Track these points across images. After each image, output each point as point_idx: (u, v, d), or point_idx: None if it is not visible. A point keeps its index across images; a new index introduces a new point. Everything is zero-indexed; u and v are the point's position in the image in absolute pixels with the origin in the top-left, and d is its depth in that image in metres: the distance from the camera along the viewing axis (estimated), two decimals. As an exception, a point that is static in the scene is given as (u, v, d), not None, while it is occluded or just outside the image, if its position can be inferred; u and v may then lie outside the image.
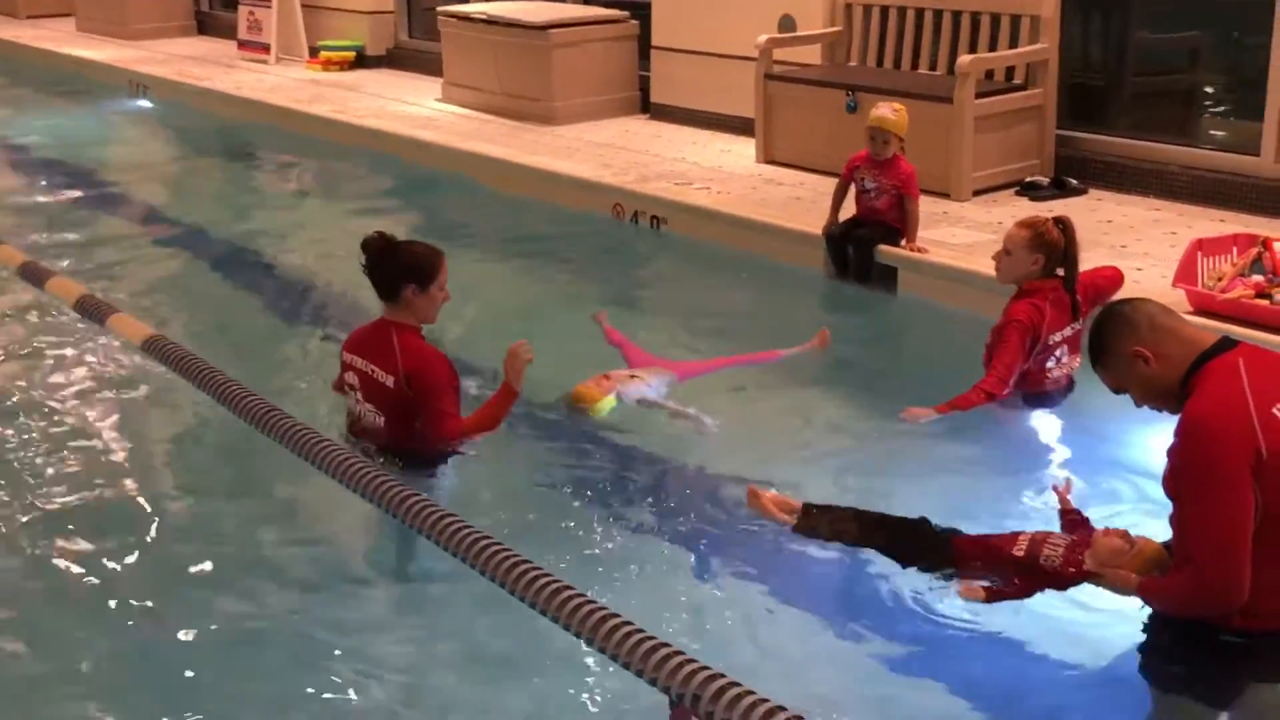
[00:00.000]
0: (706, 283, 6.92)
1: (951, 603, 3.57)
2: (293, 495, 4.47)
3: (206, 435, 4.90)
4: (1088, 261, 5.15)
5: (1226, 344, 3.19)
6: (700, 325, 6.19)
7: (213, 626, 3.75)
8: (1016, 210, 6.74)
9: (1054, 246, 4.69)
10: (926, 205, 6.81)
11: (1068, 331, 4.79)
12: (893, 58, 8.30)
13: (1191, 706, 3.17)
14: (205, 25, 14.59)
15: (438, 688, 3.51)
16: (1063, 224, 4.73)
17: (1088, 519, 3.66)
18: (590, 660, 3.29)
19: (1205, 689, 3.16)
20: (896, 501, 4.06)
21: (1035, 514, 4.07)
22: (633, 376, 5.00)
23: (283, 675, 3.55)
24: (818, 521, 3.83)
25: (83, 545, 4.18)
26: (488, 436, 4.34)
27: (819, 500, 3.96)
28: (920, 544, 3.68)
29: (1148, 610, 3.27)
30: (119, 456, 4.77)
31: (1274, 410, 3.02)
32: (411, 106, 10.35)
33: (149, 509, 4.40)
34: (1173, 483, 3.16)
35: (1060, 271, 4.75)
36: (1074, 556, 3.44)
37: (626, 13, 9.92)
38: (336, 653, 3.61)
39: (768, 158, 8.29)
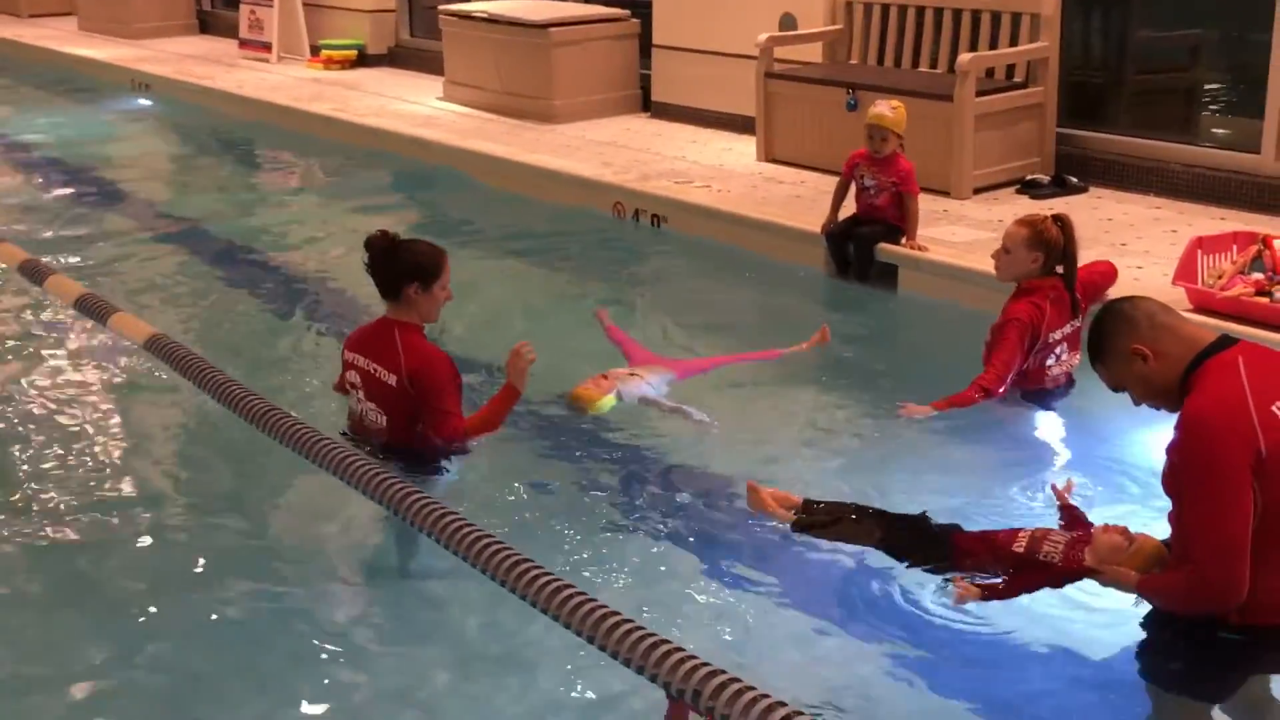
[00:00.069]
0: (707, 281, 6.93)
1: (948, 599, 3.57)
2: (294, 494, 4.48)
3: (207, 434, 4.90)
4: (1088, 259, 5.16)
5: (1226, 342, 3.19)
6: (700, 323, 6.20)
7: (213, 625, 3.76)
8: (1017, 208, 6.75)
9: (1053, 244, 4.70)
10: (927, 203, 6.82)
11: (1067, 329, 4.80)
12: (893, 56, 8.30)
13: (1190, 703, 3.17)
14: (207, 24, 14.60)
15: (438, 685, 3.51)
16: (1062, 222, 4.73)
17: (1087, 516, 3.66)
18: (590, 658, 3.30)
19: (1204, 685, 3.16)
20: (896, 498, 4.07)
21: (1035, 511, 4.07)
22: (632, 375, 5.01)
23: (283, 674, 3.56)
24: (818, 518, 3.83)
25: (83, 545, 4.19)
26: (489, 435, 4.35)
27: (819, 497, 3.96)
28: (920, 540, 3.68)
29: (1147, 607, 3.28)
30: (120, 455, 4.78)
31: (1273, 408, 3.02)
32: (413, 105, 10.36)
33: (149, 508, 4.40)
34: (1172, 480, 3.16)
35: (1059, 269, 4.76)
36: (1074, 553, 3.44)
37: (627, 11, 9.92)
38: (337, 650, 3.62)
39: (768, 156, 8.30)
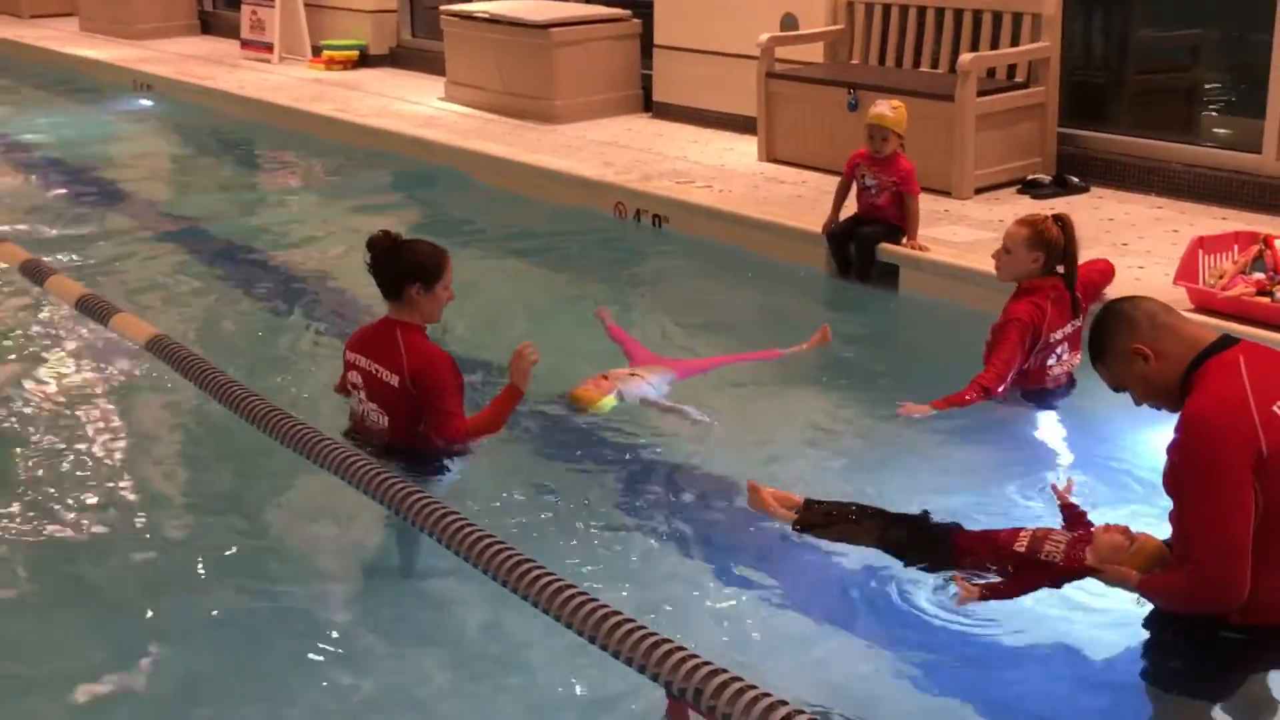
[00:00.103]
0: (708, 281, 6.93)
1: (950, 598, 3.57)
2: (295, 494, 4.48)
3: (209, 435, 4.91)
4: (1087, 258, 5.16)
5: (1227, 341, 3.20)
6: (702, 323, 6.20)
7: (214, 625, 3.76)
8: (1018, 208, 6.75)
9: (1054, 244, 4.70)
10: (928, 203, 6.82)
11: (1068, 329, 4.80)
12: (894, 56, 8.30)
13: (1191, 703, 3.18)
14: (208, 25, 14.61)
15: (440, 685, 3.52)
16: (1062, 221, 4.73)
17: (1088, 516, 3.67)
18: (591, 658, 3.30)
19: (1205, 685, 3.16)
20: (897, 498, 4.07)
21: (1036, 511, 4.07)
22: (633, 375, 5.02)
23: (284, 674, 3.56)
24: (818, 517, 3.83)
25: (83, 545, 4.19)
26: (490, 436, 4.35)
27: (820, 496, 3.96)
28: (921, 540, 3.69)
29: (1148, 607, 3.28)
30: (120, 456, 4.78)
31: (1275, 408, 3.02)
32: (414, 105, 10.36)
33: (150, 509, 4.40)
34: (1173, 480, 3.17)
35: (1060, 269, 4.76)
36: (1075, 552, 3.44)
37: (629, 11, 9.93)
38: (338, 651, 3.62)
39: (769, 156, 8.30)
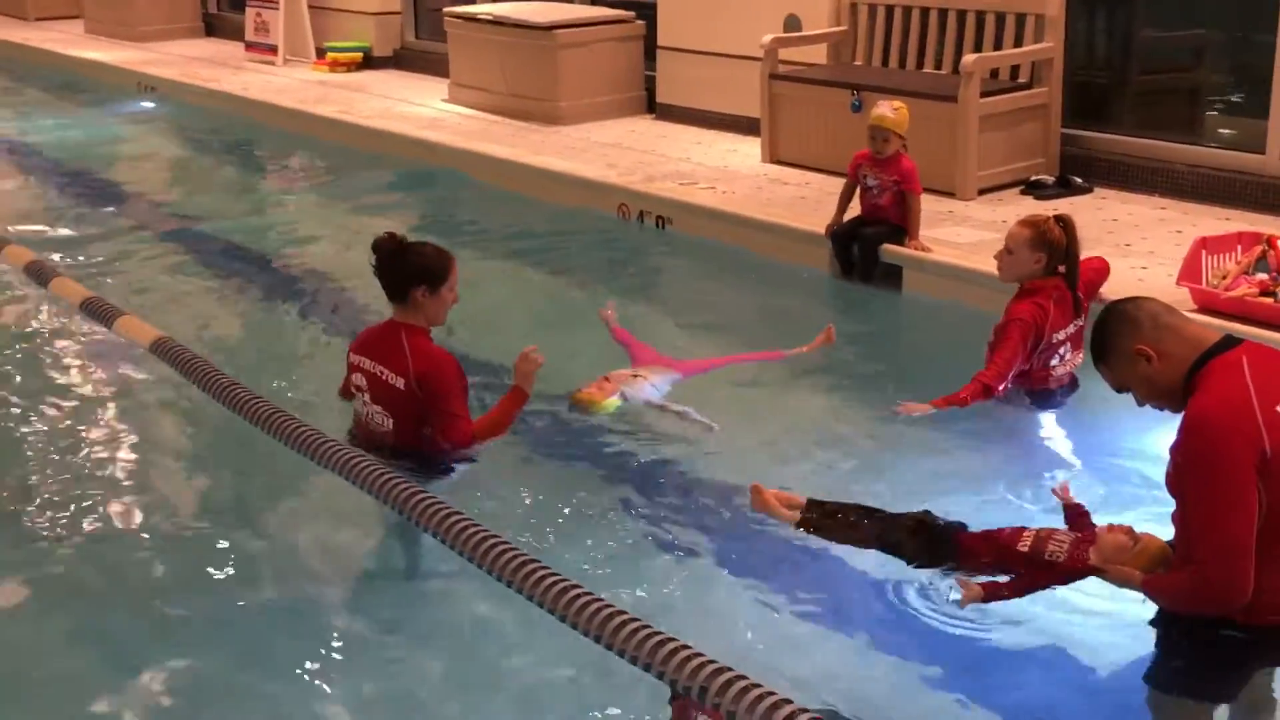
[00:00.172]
0: (711, 282, 6.94)
1: (954, 599, 3.58)
2: (299, 496, 4.49)
3: (212, 437, 4.92)
4: (1085, 257, 5.16)
5: (1230, 342, 3.19)
6: (705, 324, 6.21)
7: (217, 626, 3.77)
8: (1022, 209, 6.75)
9: (1056, 245, 4.71)
10: (932, 204, 6.83)
11: (1070, 329, 4.81)
12: (898, 57, 8.31)
13: (1193, 703, 3.17)
14: (213, 27, 14.62)
15: (444, 683, 3.53)
16: (1064, 222, 4.74)
17: (1091, 516, 3.67)
18: (594, 659, 3.31)
19: (1207, 685, 3.15)
20: (900, 499, 4.07)
21: (1040, 511, 4.08)
22: (635, 376, 5.02)
23: (287, 674, 3.56)
24: (821, 518, 3.83)
25: (84, 546, 4.21)
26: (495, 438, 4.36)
27: (823, 497, 3.97)
28: (924, 540, 3.68)
29: (1151, 607, 3.28)
30: (124, 458, 4.79)
31: (1278, 408, 3.02)
32: (418, 107, 10.38)
33: (152, 511, 4.41)
34: (1176, 481, 3.16)
35: (1061, 269, 4.77)
36: (1078, 553, 3.44)
37: (632, 13, 9.93)
38: (342, 651, 3.63)
39: (773, 157, 8.31)
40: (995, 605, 3.53)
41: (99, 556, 4.16)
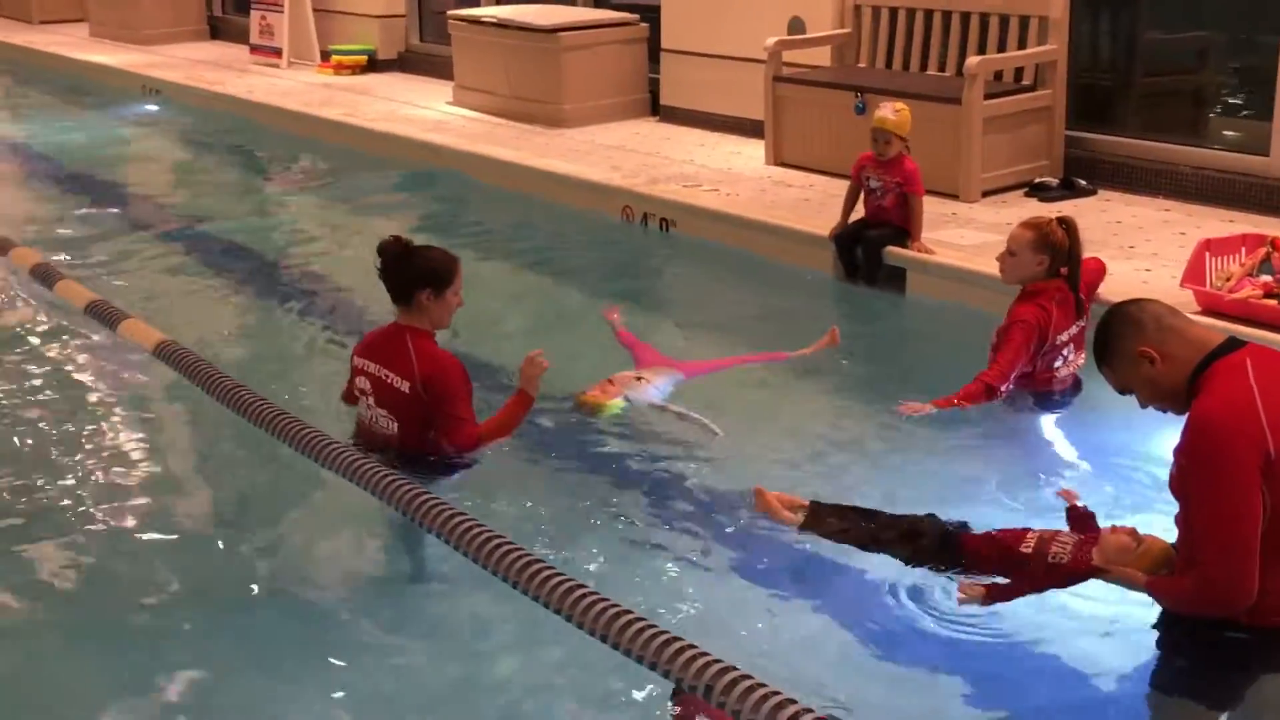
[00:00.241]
0: (715, 285, 6.94)
1: (957, 601, 3.58)
2: (303, 498, 4.50)
3: (215, 440, 4.92)
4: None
5: (1233, 344, 3.20)
6: (709, 326, 6.22)
7: (220, 628, 3.77)
8: (1025, 211, 6.75)
9: (1058, 247, 4.71)
10: (935, 206, 6.83)
11: (1073, 330, 4.81)
12: (901, 59, 8.31)
13: (1197, 704, 3.18)
14: (217, 30, 14.65)
15: (448, 683, 3.53)
16: (1066, 224, 4.74)
17: (1095, 517, 3.67)
18: (597, 658, 3.32)
19: (1211, 686, 3.16)
20: (904, 501, 4.07)
21: (1043, 513, 4.08)
22: (639, 379, 5.02)
23: (291, 674, 3.57)
24: (824, 520, 3.84)
25: (86, 546, 4.21)
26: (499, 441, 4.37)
27: (827, 499, 3.98)
28: (927, 541, 3.69)
29: (1155, 608, 3.28)
30: (127, 459, 4.79)
31: (1282, 410, 3.03)
32: (422, 110, 10.39)
33: (155, 513, 4.41)
34: (1180, 483, 3.17)
35: (1064, 271, 4.77)
36: (1082, 554, 3.45)
37: (636, 15, 9.94)
38: (344, 652, 3.63)
39: (777, 160, 8.31)
40: (998, 606, 3.53)
41: (100, 557, 4.16)
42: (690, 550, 4.09)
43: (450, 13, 10.72)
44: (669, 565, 4.03)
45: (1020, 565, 3.53)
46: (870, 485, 4.37)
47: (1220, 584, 3.04)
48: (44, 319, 6.14)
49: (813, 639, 3.65)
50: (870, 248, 6.38)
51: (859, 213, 6.50)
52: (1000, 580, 3.55)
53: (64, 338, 5.90)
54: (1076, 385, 4.91)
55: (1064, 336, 4.78)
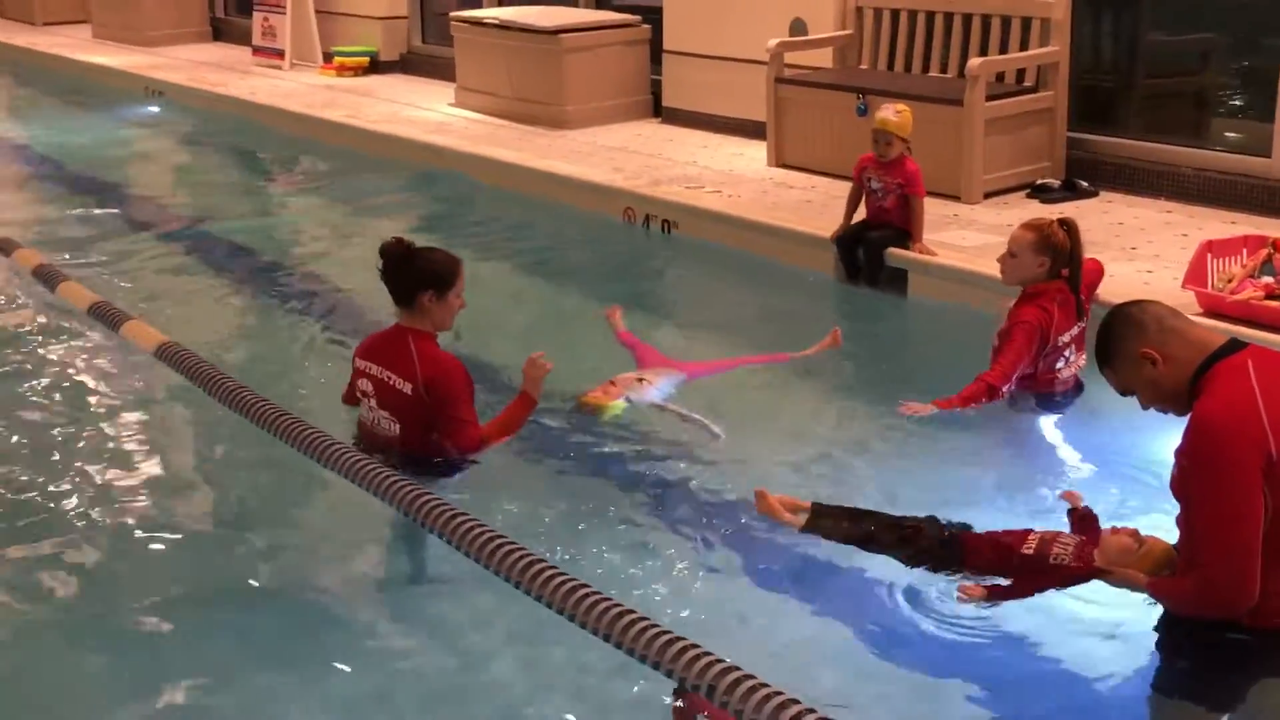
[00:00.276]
0: (717, 286, 6.95)
1: (958, 601, 3.58)
2: (305, 498, 4.50)
3: (217, 440, 4.93)
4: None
5: (1235, 345, 3.20)
6: (710, 328, 6.22)
7: (223, 630, 3.78)
8: (1027, 213, 6.74)
9: (1060, 248, 4.71)
10: (937, 208, 6.83)
11: (1074, 330, 4.82)
12: (903, 61, 8.31)
13: (1199, 705, 3.18)
14: (220, 31, 14.67)
15: (451, 683, 3.53)
16: (1067, 225, 4.75)
17: (1097, 518, 3.68)
18: (596, 660, 3.33)
19: (1213, 687, 3.17)
20: (906, 502, 4.08)
21: (1045, 515, 4.08)
22: (640, 380, 5.03)
23: (290, 674, 3.58)
24: (826, 522, 3.84)
25: (87, 548, 4.21)
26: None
27: (828, 500, 3.98)
28: (929, 543, 3.69)
29: (1155, 609, 3.29)
30: (128, 462, 4.79)
31: (1284, 412, 3.03)
32: (424, 111, 10.40)
33: (158, 514, 4.41)
34: (1181, 484, 3.17)
35: (1064, 273, 4.77)
36: (1083, 555, 3.45)
37: (638, 17, 9.95)
38: (348, 652, 3.63)
39: (779, 161, 8.32)
40: (999, 607, 3.53)
41: (101, 558, 4.16)
42: (691, 551, 4.09)
43: (452, 14, 10.73)
44: (670, 566, 4.03)
45: (1021, 566, 3.54)
46: (872, 486, 4.37)
47: (1221, 585, 3.04)
48: (46, 320, 6.15)
49: (814, 640, 3.65)
50: (872, 249, 6.39)
51: (861, 214, 6.51)
52: (1001, 581, 3.55)
53: (66, 339, 5.91)
54: (1078, 387, 4.91)
55: (1065, 338, 4.78)
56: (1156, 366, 3.20)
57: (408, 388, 4.19)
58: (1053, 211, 6.02)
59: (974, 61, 7.34)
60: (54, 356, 5.76)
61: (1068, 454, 4.72)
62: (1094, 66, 8.09)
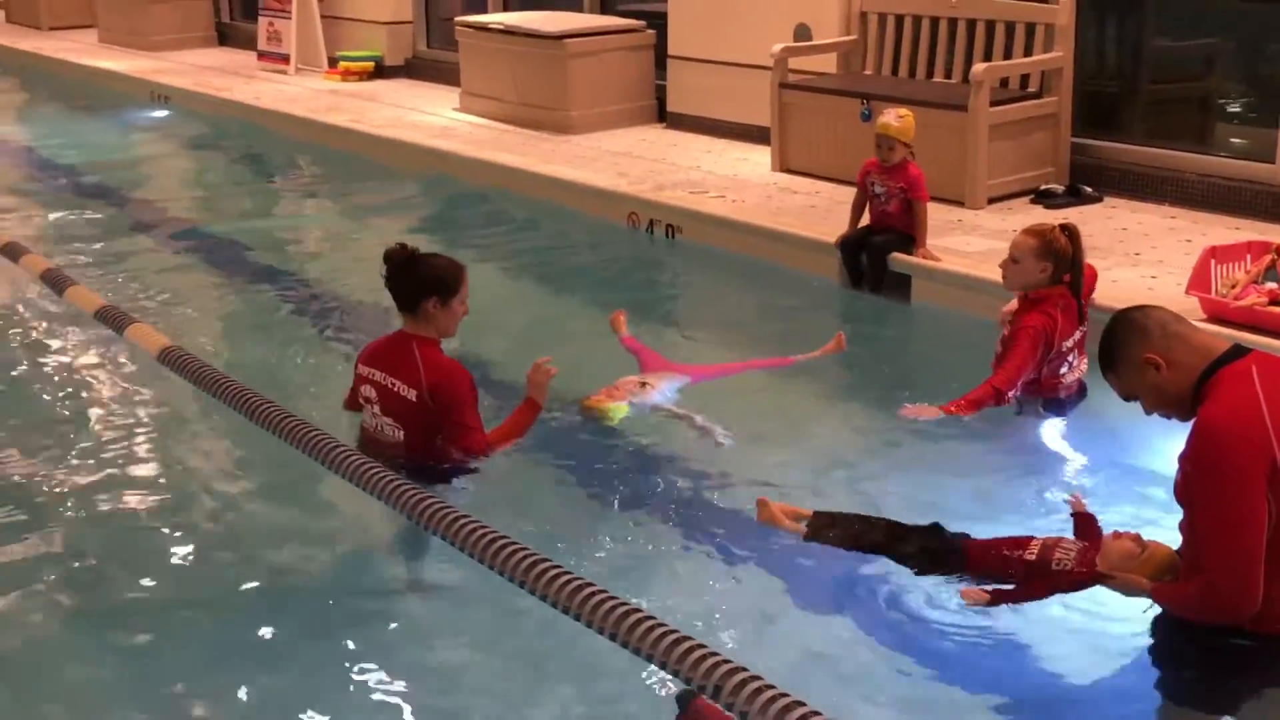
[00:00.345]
0: (721, 291, 6.95)
1: (962, 608, 3.58)
2: (310, 501, 4.51)
3: (219, 442, 4.94)
4: (1102, 271, 5.17)
5: (1238, 351, 3.21)
6: (714, 333, 6.23)
7: (225, 631, 3.78)
8: (1031, 218, 6.72)
9: (1062, 254, 4.72)
10: (941, 213, 6.83)
11: (1077, 335, 4.82)
12: (908, 66, 8.31)
13: (1202, 710, 3.18)
14: (225, 36, 14.69)
15: (453, 682, 3.54)
16: (1069, 231, 4.75)
17: (1099, 523, 3.68)
18: (597, 661, 3.33)
19: (1216, 692, 3.16)
20: (909, 508, 4.08)
21: (1048, 520, 4.08)
22: (643, 384, 5.04)
23: (292, 674, 3.59)
24: (828, 529, 3.84)
25: (88, 546, 4.23)
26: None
27: (831, 507, 3.98)
28: (931, 548, 3.69)
29: (1158, 614, 3.29)
30: (135, 464, 4.81)
31: (1288, 417, 3.03)
32: (429, 116, 10.41)
33: (160, 516, 4.43)
34: (1184, 490, 3.17)
35: (1066, 278, 4.78)
36: (1086, 561, 3.45)
37: (643, 22, 9.96)
38: (350, 652, 3.64)
39: (783, 166, 8.32)
40: (1002, 613, 3.53)
41: (103, 559, 4.17)
42: (693, 554, 4.10)
43: (457, 19, 10.74)
44: (672, 569, 4.04)
45: (1024, 571, 3.54)
46: (875, 491, 4.37)
47: (1225, 591, 3.04)
48: (54, 325, 6.17)
49: (816, 643, 3.65)
50: (875, 254, 6.39)
51: (866, 219, 6.51)
52: (1004, 586, 3.55)
53: (74, 343, 5.92)
54: (1082, 391, 4.92)
55: (1069, 343, 4.79)
56: (1160, 372, 3.20)
57: (412, 394, 4.19)
58: (1057, 217, 6.02)
59: (978, 67, 7.34)
60: (61, 361, 5.77)
61: (1071, 459, 4.73)
62: (1098, 72, 8.10)
